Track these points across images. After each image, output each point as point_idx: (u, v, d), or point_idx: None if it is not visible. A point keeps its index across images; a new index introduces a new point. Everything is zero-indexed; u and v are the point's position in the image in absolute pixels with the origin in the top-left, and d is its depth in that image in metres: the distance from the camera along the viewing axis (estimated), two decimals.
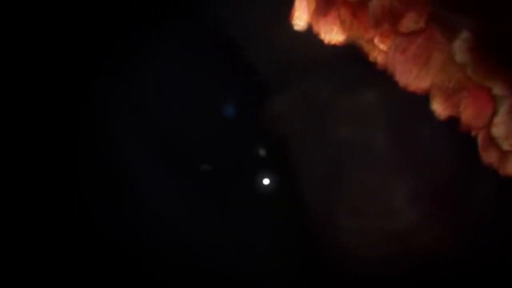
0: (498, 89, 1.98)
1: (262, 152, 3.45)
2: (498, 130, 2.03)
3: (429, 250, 3.02)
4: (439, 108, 2.13)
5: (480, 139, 2.15)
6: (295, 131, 3.26)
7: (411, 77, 2.10)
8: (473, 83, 1.99)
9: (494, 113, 2.02)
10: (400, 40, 2.10)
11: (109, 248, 3.44)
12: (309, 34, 2.39)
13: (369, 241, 3.11)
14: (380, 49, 2.26)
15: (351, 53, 2.43)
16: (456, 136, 2.15)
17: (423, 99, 2.24)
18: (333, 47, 2.39)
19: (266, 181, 3.44)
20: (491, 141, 2.08)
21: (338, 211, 3.22)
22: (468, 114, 2.05)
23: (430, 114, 2.19)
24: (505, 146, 2.02)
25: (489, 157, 2.16)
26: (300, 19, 2.32)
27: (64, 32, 3.46)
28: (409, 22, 2.04)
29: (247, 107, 3.39)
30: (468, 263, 2.94)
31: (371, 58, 2.34)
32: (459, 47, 1.95)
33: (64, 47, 3.49)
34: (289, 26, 2.39)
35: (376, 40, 2.24)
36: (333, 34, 2.33)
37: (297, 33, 2.42)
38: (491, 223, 2.77)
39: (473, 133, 2.13)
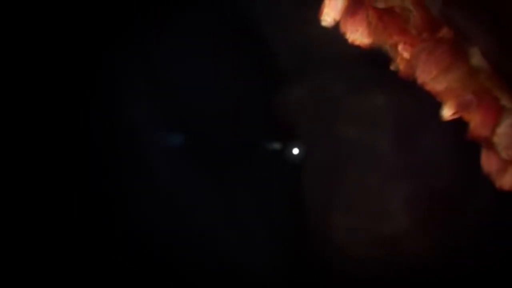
0: (505, 100, 2.05)
1: (266, 143, 3.47)
2: (499, 139, 2.09)
3: (425, 254, 3.05)
4: (448, 113, 2.22)
5: (483, 148, 2.22)
6: (303, 125, 3.30)
7: (430, 77, 2.16)
8: (485, 91, 2.06)
9: (498, 123, 2.08)
10: (428, 44, 2.17)
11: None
12: (335, 32, 2.48)
13: (365, 242, 3.14)
14: (402, 56, 2.33)
15: (372, 56, 2.52)
16: (461, 144, 2.23)
17: (432, 107, 2.33)
18: (356, 48, 2.48)
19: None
20: (492, 149, 2.15)
21: (337, 210, 3.25)
22: (476, 121, 2.12)
23: (437, 121, 2.28)
24: (504, 155, 2.09)
25: (489, 167, 2.22)
26: (329, 16, 2.39)
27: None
28: (446, 33, 2.11)
29: (259, 95, 3.41)
30: (463, 268, 2.97)
31: (392, 64, 2.41)
32: (477, 51, 2.03)
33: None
34: (317, 21, 2.46)
35: (400, 47, 2.31)
36: (358, 35, 2.41)
37: (324, 29, 2.52)
38: (489, 231, 2.81)
39: (478, 142, 2.20)
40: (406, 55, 2.26)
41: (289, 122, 3.35)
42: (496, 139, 2.08)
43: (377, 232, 3.16)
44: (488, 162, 2.20)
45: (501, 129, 2.06)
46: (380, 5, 2.20)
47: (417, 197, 3.07)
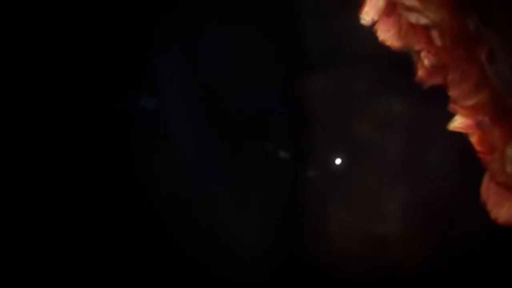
0: None
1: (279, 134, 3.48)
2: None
3: (418, 258, 3.07)
4: (458, 125, 2.29)
5: (486, 175, 2.27)
6: (316, 118, 3.33)
7: (462, 94, 2.22)
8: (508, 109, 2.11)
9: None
10: (462, 61, 2.22)
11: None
12: (368, 31, 2.55)
13: (359, 242, 3.17)
14: (423, 63, 2.40)
15: (398, 59, 2.58)
16: (468, 157, 2.30)
17: (445, 117, 2.40)
18: (385, 49, 2.55)
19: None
20: (496, 175, 2.21)
21: (335, 207, 3.29)
22: (494, 136, 2.19)
23: (448, 132, 2.35)
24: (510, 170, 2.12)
25: (487, 197, 2.26)
26: (368, 15, 2.45)
27: None
28: (478, 54, 2.15)
29: (280, 84, 3.43)
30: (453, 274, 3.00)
31: (415, 70, 2.45)
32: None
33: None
34: (355, 19, 2.50)
35: (423, 54, 2.37)
36: (389, 36, 2.47)
37: (357, 27, 2.59)
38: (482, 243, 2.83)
39: (484, 162, 2.26)
40: (427, 62, 2.32)
41: (303, 114, 3.38)
42: (509, 152, 2.12)
43: (372, 233, 3.19)
44: (487, 192, 2.24)
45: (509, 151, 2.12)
46: (412, 19, 2.26)
47: (416, 204, 3.11)
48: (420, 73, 2.41)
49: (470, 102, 2.19)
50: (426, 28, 2.24)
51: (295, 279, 3.44)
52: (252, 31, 3.50)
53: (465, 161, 2.41)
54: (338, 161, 3.36)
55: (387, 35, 2.46)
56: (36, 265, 3.42)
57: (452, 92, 2.22)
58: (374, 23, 2.48)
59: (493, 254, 2.93)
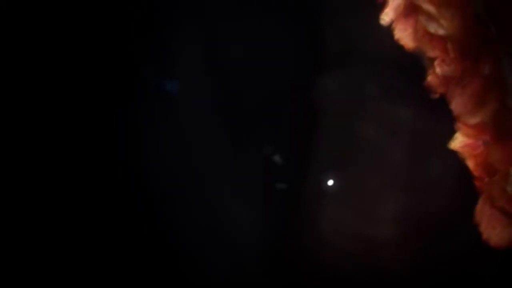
0: None
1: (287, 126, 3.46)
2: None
3: (406, 263, 3.08)
4: (457, 143, 2.25)
5: (481, 198, 2.26)
6: (324, 115, 3.31)
7: (465, 110, 2.18)
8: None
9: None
10: (465, 77, 2.19)
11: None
12: (388, 32, 2.49)
13: (350, 241, 3.17)
14: (435, 71, 2.34)
15: (410, 64, 2.53)
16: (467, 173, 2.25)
17: (450, 129, 2.35)
18: (399, 52, 2.49)
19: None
20: (492, 197, 2.18)
21: (330, 204, 3.28)
22: (495, 158, 2.15)
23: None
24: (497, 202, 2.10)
25: (480, 218, 2.25)
26: (388, 15, 2.40)
27: None
28: (483, 66, 2.11)
29: (293, 78, 3.40)
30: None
31: (424, 76, 2.41)
32: None
33: None
34: (376, 18, 2.45)
35: (436, 62, 2.32)
36: (405, 36, 2.40)
37: (379, 28, 2.54)
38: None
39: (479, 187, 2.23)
40: (439, 71, 2.27)
41: (310, 112, 3.36)
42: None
43: (366, 235, 3.19)
44: (481, 214, 2.24)
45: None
46: (431, 29, 2.20)
47: (411, 210, 3.10)
48: (431, 80, 2.36)
49: (473, 121, 2.15)
50: (442, 38, 2.20)
51: (291, 278, 3.45)
52: (270, 26, 3.47)
53: (464, 174, 2.37)
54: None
55: (403, 34, 2.40)
56: (37, 258, 3.45)
57: (454, 107, 2.19)
58: (392, 23, 2.45)
59: (482, 263, 2.91)
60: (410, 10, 2.34)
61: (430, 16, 2.19)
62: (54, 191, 3.45)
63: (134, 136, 3.53)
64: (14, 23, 3.39)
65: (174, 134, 3.56)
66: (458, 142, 2.25)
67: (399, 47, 2.50)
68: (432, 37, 2.25)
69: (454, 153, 2.40)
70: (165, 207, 3.54)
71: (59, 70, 3.47)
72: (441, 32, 2.19)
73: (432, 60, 2.33)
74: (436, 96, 2.36)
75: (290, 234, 3.39)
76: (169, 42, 3.55)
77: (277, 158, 3.47)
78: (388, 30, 2.46)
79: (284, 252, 3.38)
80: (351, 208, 3.25)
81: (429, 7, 2.16)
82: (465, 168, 2.36)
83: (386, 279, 3.17)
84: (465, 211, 2.50)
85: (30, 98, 3.44)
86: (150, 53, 3.55)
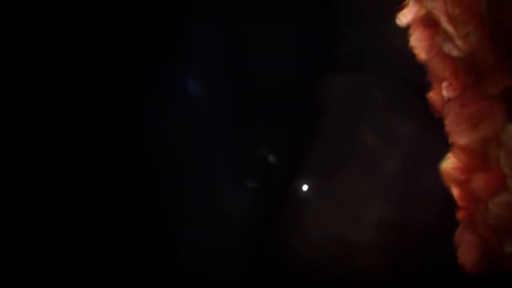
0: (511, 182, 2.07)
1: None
2: (495, 207, 2.12)
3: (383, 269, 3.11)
4: (450, 168, 2.25)
5: (462, 223, 2.29)
6: (324, 115, 3.31)
7: (457, 129, 2.18)
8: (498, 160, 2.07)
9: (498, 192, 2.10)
10: (467, 95, 2.18)
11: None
12: (402, 33, 2.45)
13: (330, 243, 3.19)
14: (440, 91, 2.36)
15: (419, 76, 2.51)
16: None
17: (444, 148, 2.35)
18: (410, 58, 2.48)
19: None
20: (475, 222, 2.20)
21: (315, 206, 3.30)
22: (479, 185, 2.16)
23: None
24: (492, 221, 2.11)
25: (459, 242, 2.29)
26: (405, 16, 2.39)
27: None
28: (488, 84, 2.10)
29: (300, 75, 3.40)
30: None
31: (428, 93, 2.44)
32: (508, 137, 2.03)
33: None
34: (392, 16, 2.44)
35: (444, 84, 2.33)
36: (419, 46, 2.39)
37: (394, 36, 2.52)
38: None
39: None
40: (445, 93, 2.28)
41: (315, 110, 3.36)
42: (491, 206, 2.11)
43: (345, 237, 3.22)
44: (460, 238, 2.26)
45: (499, 199, 2.10)
46: (446, 49, 2.20)
47: (394, 219, 3.12)
48: (434, 98, 2.39)
49: (462, 141, 2.16)
50: (455, 60, 2.19)
51: (270, 275, 3.50)
52: (284, 26, 3.47)
53: (450, 196, 2.38)
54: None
55: (418, 44, 2.40)
56: (37, 257, 3.50)
57: (448, 123, 2.20)
58: (409, 28, 2.44)
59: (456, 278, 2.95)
60: (430, 22, 2.32)
61: (447, 36, 2.20)
62: (54, 190, 3.50)
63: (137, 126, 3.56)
64: (16, 23, 3.41)
65: (177, 126, 3.59)
66: (449, 163, 2.26)
67: (409, 56, 2.49)
68: (445, 57, 2.25)
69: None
70: (160, 200, 3.59)
71: (59, 70, 3.50)
72: (455, 53, 2.18)
73: (439, 79, 2.33)
74: (437, 114, 2.36)
75: (273, 231, 3.42)
76: (177, 38, 3.56)
77: (271, 156, 3.49)
78: (401, 39, 2.45)
79: (265, 249, 3.42)
80: (337, 211, 3.27)
81: (448, 26, 2.16)
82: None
83: (361, 283, 3.21)
84: (446, 230, 2.52)
85: (32, 97, 3.47)
86: (158, 50, 3.57)
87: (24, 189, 3.27)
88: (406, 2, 2.38)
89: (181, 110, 3.46)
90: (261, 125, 3.36)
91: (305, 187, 3.33)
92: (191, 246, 3.34)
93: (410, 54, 2.44)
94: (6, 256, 3.23)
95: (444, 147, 2.32)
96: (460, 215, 2.29)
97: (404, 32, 2.42)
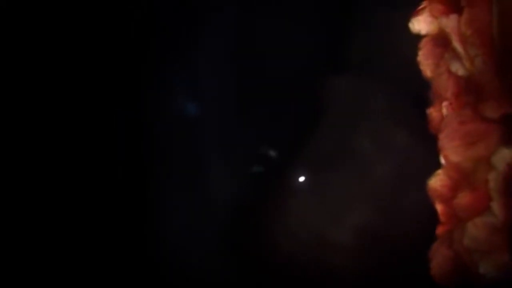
0: (495, 206, 2.09)
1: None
2: (473, 230, 2.14)
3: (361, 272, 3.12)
4: (438, 185, 2.28)
5: (438, 239, 2.34)
6: (324, 116, 3.32)
7: (450, 145, 2.21)
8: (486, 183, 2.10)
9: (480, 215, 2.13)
10: (465, 113, 2.20)
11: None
12: (411, 42, 2.49)
13: (310, 242, 3.20)
14: (440, 109, 2.39)
15: (421, 88, 2.54)
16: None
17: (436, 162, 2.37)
18: (415, 71, 2.50)
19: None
20: (449, 242, 2.24)
21: (299, 205, 3.31)
22: (462, 203, 2.19)
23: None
24: (468, 243, 2.14)
25: (433, 256, 2.33)
26: (418, 23, 2.41)
27: None
28: (488, 107, 2.12)
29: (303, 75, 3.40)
30: None
31: (428, 109, 2.48)
32: (500, 160, 2.05)
33: None
34: (403, 24, 2.49)
35: (444, 103, 2.36)
36: (426, 63, 2.42)
37: (405, 34, 2.52)
38: None
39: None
40: (444, 112, 2.31)
41: (314, 110, 3.37)
42: (470, 226, 2.13)
43: (324, 237, 3.23)
44: (436, 251, 2.30)
45: (479, 220, 2.12)
46: (453, 68, 2.21)
47: (375, 225, 3.14)
48: (434, 115, 2.42)
49: (454, 158, 2.17)
50: (459, 80, 2.22)
51: (248, 270, 3.50)
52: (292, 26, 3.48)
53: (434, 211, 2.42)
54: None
55: (425, 60, 2.43)
56: (37, 257, 3.48)
57: (442, 138, 2.22)
58: (418, 36, 2.44)
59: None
60: (440, 41, 2.34)
61: (455, 54, 2.21)
62: (54, 190, 3.49)
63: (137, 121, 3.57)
64: (16, 23, 3.40)
65: (177, 126, 3.59)
66: (437, 180, 2.28)
67: (415, 68, 2.51)
68: (450, 76, 2.28)
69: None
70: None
71: (60, 70, 3.49)
72: (461, 72, 2.20)
73: (441, 97, 2.35)
74: (433, 131, 2.38)
75: (258, 226, 3.43)
76: (177, 38, 3.56)
77: (265, 151, 3.51)
78: (410, 49, 2.47)
79: (247, 244, 3.44)
80: (322, 210, 3.29)
81: (458, 45, 2.18)
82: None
83: (337, 282, 3.23)
84: (424, 242, 2.54)
85: (32, 97, 3.47)
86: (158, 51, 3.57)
87: (24, 188, 3.28)
88: (422, 7, 2.39)
89: (181, 110, 3.48)
90: (258, 122, 3.37)
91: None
92: (176, 245, 3.35)
93: (416, 66, 2.48)
94: (6, 255, 3.24)
95: (434, 163, 2.35)
96: (439, 229, 2.33)
97: (413, 41, 2.45)
